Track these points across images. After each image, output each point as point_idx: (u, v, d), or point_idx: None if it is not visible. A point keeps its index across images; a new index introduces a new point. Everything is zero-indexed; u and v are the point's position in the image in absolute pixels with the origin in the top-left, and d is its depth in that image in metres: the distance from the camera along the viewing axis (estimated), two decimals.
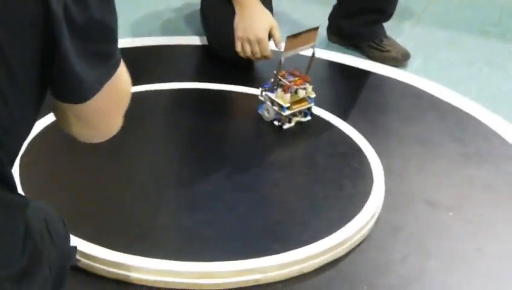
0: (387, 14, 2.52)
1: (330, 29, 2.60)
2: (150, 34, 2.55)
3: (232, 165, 1.88)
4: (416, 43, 2.62)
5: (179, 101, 2.16)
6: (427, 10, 2.90)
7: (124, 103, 1.17)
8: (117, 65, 1.08)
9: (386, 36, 2.52)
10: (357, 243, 1.67)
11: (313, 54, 2.06)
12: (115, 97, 1.12)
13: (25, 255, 1.07)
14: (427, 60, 2.52)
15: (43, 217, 1.17)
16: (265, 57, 2.25)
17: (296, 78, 2.02)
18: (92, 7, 1.00)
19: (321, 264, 1.60)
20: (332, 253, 1.62)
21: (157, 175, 1.83)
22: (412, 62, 2.49)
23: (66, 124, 1.16)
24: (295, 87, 2.01)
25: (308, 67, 2.06)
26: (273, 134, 2.02)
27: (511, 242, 1.73)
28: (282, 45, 2.06)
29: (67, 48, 0.99)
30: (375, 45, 2.49)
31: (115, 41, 1.07)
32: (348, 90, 2.35)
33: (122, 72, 1.11)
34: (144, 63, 2.37)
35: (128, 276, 1.52)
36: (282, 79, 2.01)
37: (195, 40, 2.50)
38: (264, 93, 2.03)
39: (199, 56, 2.45)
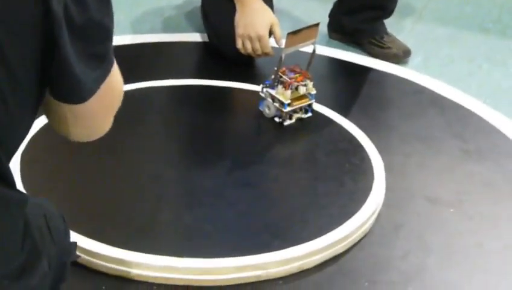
0: (388, 11, 2.52)
1: (331, 26, 2.60)
2: (151, 31, 2.55)
3: (233, 161, 1.88)
4: (417, 40, 2.61)
5: (180, 97, 2.16)
6: (428, 7, 2.90)
7: (117, 102, 1.18)
8: (111, 65, 1.09)
9: (386, 33, 2.52)
10: (358, 239, 1.67)
11: (314, 50, 2.06)
12: (110, 96, 1.13)
13: (24, 252, 1.07)
14: (428, 57, 2.52)
15: (43, 213, 1.17)
16: (266, 54, 2.25)
17: (297, 75, 2.02)
18: (91, 8, 1.00)
19: (322, 260, 1.61)
20: (333, 249, 1.62)
21: (157, 171, 1.83)
22: (413, 59, 2.49)
23: (59, 125, 1.16)
24: (296, 83, 2.01)
25: (309, 63, 2.06)
26: (273, 130, 2.02)
27: None
28: (283, 42, 2.06)
29: (66, 48, 0.99)
30: (376, 42, 2.49)
31: (111, 41, 1.07)
32: (349, 86, 2.35)
33: (115, 71, 1.12)
34: (145, 60, 2.37)
35: (129, 272, 1.53)
36: (283, 76, 2.01)
37: (196, 37, 2.50)
38: (264, 89, 2.03)
39: (200, 53, 2.45)
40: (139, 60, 2.35)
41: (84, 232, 1.55)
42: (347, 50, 2.52)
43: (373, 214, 1.72)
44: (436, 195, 1.84)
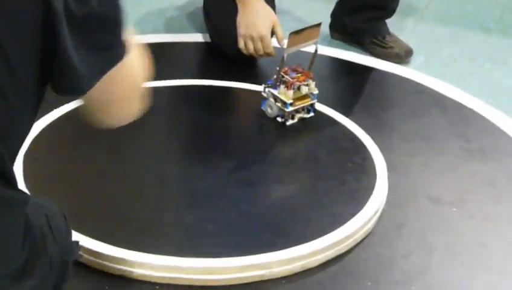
0: (389, 11, 2.52)
1: (333, 26, 2.60)
2: (153, 31, 2.55)
3: (236, 161, 1.88)
4: (419, 39, 2.62)
5: (182, 98, 2.16)
6: (430, 7, 2.90)
7: (134, 91, 1.17)
8: (120, 56, 1.08)
9: (388, 33, 2.52)
10: (361, 238, 1.67)
11: (316, 50, 2.06)
12: (122, 85, 1.12)
13: (24, 251, 1.07)
14: (430, 57, 2.53)
15: (44, 212, 1.17)
16: (268, 54, 2.25)
17: (299, 75, 2.02)
18: (92, 1, 1.00)
19: (325, 259, 1.61)
20: (335, 249, 1.62)
21: (160, 171, 1.83)
22: (415, 58, 2.49)
23: (85, 112, 1.16)
24: (298, 83, 2.01)
25: (311, 63, 2.06)
26: (276, 130, 2.02)
27: None
28: (285, 42, 2.06)
29: (66, 43, 0.99)
30: (378, 42, 2.49)
31: (118, 33, 1.06)
32: (351, 86, 2.35)
33: (131, 59, 1.10)
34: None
35: (132, 272, 1.53)
36: (285, 75, 2.01)
37: (198, 38, 2.50)
38: (267, 89, 2.04)
39: (202, 53, 2.45)
40: None
41: (87, 232, 1.55)
42: (349, 50, 2.52)
43: (375, 213, 1.72)
44: (438, 194, 1.84)
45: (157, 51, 2.41)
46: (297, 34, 1.99)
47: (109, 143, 1.91)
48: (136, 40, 1.14)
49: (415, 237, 1.71)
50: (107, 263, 1.54)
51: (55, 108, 1.99)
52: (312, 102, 2.04)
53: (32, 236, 1.10)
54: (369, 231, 1.70)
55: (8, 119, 1.02)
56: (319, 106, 2.08)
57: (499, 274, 1.64)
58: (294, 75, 2.02)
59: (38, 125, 1.91)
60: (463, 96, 2.25)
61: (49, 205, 1.23)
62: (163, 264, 1.52)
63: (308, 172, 1.88)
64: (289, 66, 2.02)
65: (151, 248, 1.55)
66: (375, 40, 2.50)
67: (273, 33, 2.25)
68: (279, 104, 2.01)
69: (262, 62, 2.33)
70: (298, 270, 1.58)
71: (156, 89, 2.15)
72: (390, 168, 1.87)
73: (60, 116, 1.97)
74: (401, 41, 2.51)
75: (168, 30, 2.59)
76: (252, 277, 1.55)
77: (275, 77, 2.02)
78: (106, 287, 1.52)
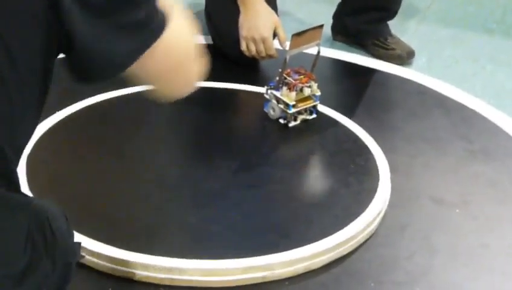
0: (391, 12, 2.52)
1: (335, 27, 2.60)
2: None
3: (238, 162, 1.88)
4: (421, 41, 2.62)
5: (185, 99, 2.15)
6: (431, 8, 2.90)
7: (183, 59, 1.13)
8: (157, 33, 1.03)
9: (390, 34, 2.53)
10: (364, 240, 1.67)
11: (318, 52, 2.06)
12: (168, 59, 1.08)
13: (27, 254, 1.07)
14: (432, 58, 2.53)
15: (46, 214, 1.17)
16: (270, 56, 2.25)
17: (302, 76, 2.02)
18: None
19: (328, 261, 1.61)
20: (339, 250, 1.62)
21: (163, 173, 1.83)
22: (417, 60, 2.49)
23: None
24: (300, 85, 2.01)
25: (314, 65, 2.06)
26: (278, 132, 2.02)
27: None
28: (287, 44, 2.06)
29: (83, 32, 0.97)
30: (380, 43, 2.50)
31: (150, 6, 1.01)
32: (353, 88, 2.35)
33: (173, 29, 1.06)
34: None
35: (135, 273, 1.53)
36: (288, 77, 2.01)
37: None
38: (269, 91, 2.04)
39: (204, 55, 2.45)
40: None
41: (90, 234, 1.55)
42: (351, 51, 2.52)
43: (378, 214, 1.72)
44: (441, 196, 1.84)
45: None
46: (299, 36, 2.00)
47: (112, 145, 1.91)
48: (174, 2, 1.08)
49: (418, 238, 1.71)
50: (111, 264, 1.54)
51: (58, 110, 1.99)
52: (314, 104, 2.05)
53: (34, 238, 1.10)
54: (372, 232, 1.70)
55: (11, 117, 1.01)
56: (322, 108, 2.08)
57: (502, 275, 1.64)
58: (296, 76, 2.02)
59: (41, 128, 1.91)
60: (465, 98, 2.25)
61: (50, 207, 1.22)
62: (167, 265, 1.52)
63: (311, 173, 1.88)
64: (291, 68, 2.02)
65: (154, 249, 1.55)
66: (377, 42, 2.50)
67: (275, 35, 2.25)
68: (281, 106, 2.01)
69: (264, 64, 2.33)
70: (301, 271, 1.58)
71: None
72: (393, 169, 1.87)
73: (63, 119, 1.98)
74: (403, 42, 2.51)
75: None
76: (254, 278, 1.55)
77: (277, 78, 2.02)
78: (109, 289, 1.52)
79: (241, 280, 1.54)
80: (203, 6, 2.48)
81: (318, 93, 2.04)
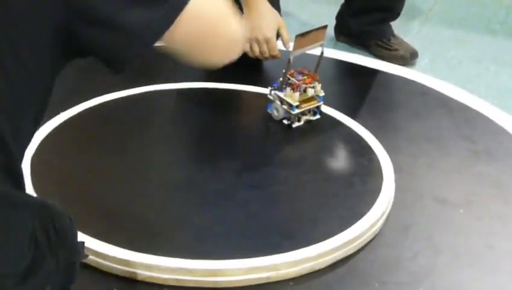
0: (394, 13, 2.52)
1: (338, 28, 2.60)
2: None
3: (242, 163, 1.88)
4: (424, 41, 2.62)
5: (188, 101, 2.17)
6: (434, 9, 2.90)
7: (216, 24, 1.13)
8: (179, 6, 1.04)
9: (393, 35, 2.53)
10: (368, 240, 1.67)
11: (322, 52, 2.06)
12: (200, 23, 1.09)
13: (30, 252, 1.08)
14: (435, 59, 2.53)
15: (50, 214, 1.18)
16: (273, 57, 2.25)
17: (305, 77, 2.02)
18: None
19: (332, 261, 1.61)
20: (343, 250, 1.62)
21: (167, 174, 1.84)
22: (420, 61, 2.49)
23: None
24: (304, 86, 2.01)
25: (317, 66, 2.07)
26: (282, 133, 2.02)
27: None
28: (291, 45, 2.07)
29: (96, 14, 0.98)
30: (383, 44, 2.50)
31: None
32: (357, 88, 2.35)
33: (197, 3, 1.06)
34: (153, 63, 2.37)
35: (139, 274, 1.53)
36: (291, 78, 2.01)
37: None
38: (273, 92, 2.04)
39: None
40: (148, 64, 2.35)
41: (95, 234, 1.56)
42: (354, 52, 2.53)
43: (383, 215, 1.72)
44: (445, 196, 1.84)
45: (163, 54, 2.44)
46: (303, 37, 2.00)
47: (116, 146, 1.92)
48: None
49: (422, 238, 1.71)
50: (115, 265, 1.54)
51: (62, 111, 2.00)
52: (318, 104, 2.05)
53: (38, 237, 1.10)
54: (377, 232, 1.70)
55: (15, 111, 1.02)
56: (325, 108, 2.08)
57: (506, 275, 1.64)
58: (300, 77, 2.02)
59: (46, 129, 1.92)
60: (468, 98, 2.25)
61: (54, 206, 1.23)
62: (171, 266, 1.52)
63: (315, 174, 1.88)
64: (295, 69, 2.03)
65: (159, 249, 1.55)
66: (380, 43, 2.51)
67: (278, 35, 2.26)
68: (285, 107, 2.01)
69: (267, 65, 2.34)
70: (306, 271, 1.58)
71: (162, 92, 2.17)
72: (396, 169, 1.87)
73: (67, 119, 1.98)
74: (406, 43, 2.51)
75: None
76: (259, 278, 1.55)
77: (281, 79, 2.02)
78: (114, 289, 1.52)
79: (245, 280, 1.55)
80: None
81: (322, 93, 2.04)
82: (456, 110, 2.20)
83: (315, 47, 2.06)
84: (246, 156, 1.93)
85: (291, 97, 2.00)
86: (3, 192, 1.04)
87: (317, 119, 2.06)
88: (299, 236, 1.64)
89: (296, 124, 2.03)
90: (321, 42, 2.06)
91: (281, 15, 2.30)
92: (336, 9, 2.59)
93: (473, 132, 2.10)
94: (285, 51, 2.20)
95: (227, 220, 1.69)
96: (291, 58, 1.99)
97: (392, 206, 1.77)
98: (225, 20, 1.13)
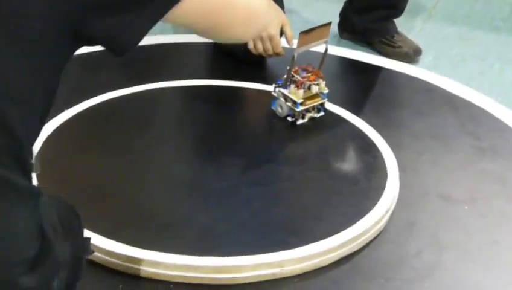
0: (398, 10, 2.52)
1: (341, 25, 2.60)
2: (162, 32, 2.56)
3: (247, 160, 1.88)
4: (428, 38, 2.62)
5: (193, 98, 2.17)
6: (438, 6, 2.90)
7: (229, 1, 1.13)
8: None
9: (397, 32, 2.53)
10: (373, 237, 1.68)
11: (326, 49, 2.06)
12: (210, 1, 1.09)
13: (38, 243, 1.08)
14: (439, 56, 2.53)
15: (56, 208, 1.18)
16: (277, 54, 2.25)
17: (309, 74, 2.03)
18: None
19: (337, 258, 1.61)
20: (348, 247, 1.62)
21: (171, 171, 1.84)
22: (424, 58, 2.49)
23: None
24: (308, 83, 2.01)
25: (321, 63, 2.07)
26: (286, 130, 2.02)
27: None
28: (294, 42, 2.07)
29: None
30: (387, 41, 2.50)
31: None
32: (361, 85, 2.35)
33: None
34: (156, 61, 2.38)
35: (146, 271, 1.53)
36: (295, 75, 2.01)
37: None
38: (277, 89, 2.04)
39: (211, 53, 2.46)
40: (151, 62, 2.36)
41: (101, 232, 1.56)
42: (358, 49, 2.53)
43: (387, 212, 1.72)
44: (449, 193, 1.84)
45: (167, 52, 2.44)
46: (307, 34, 2.00)
47: (120, 143, 1.92)
48: None
49: (426, 235, 1.71)
50: (121, 262, 1.54)
51: (66, 109, 2.00)
52: (322, 101, 2.05)
53: (46, 230, 1.10)
54: (381, 229, 1.70)
55: (23, 97, 1.02)
56: (329, 105, 2.08)
57: (511, 271, 1.64)
58: (304, 74, 2.02)
59: (50, 127, 1.92)
60: (473, 95, 2.25)
61: (62, 201, 1.24)
62: (177, 263, 1.53)
63: (319, 171, 1.88)
64: (299, 66, 2.03)
65: (165, 246, 1.56)
66: (384, 40, 2.51)
67: (282, 33, 2.25)
68: (289, 104, 2.02)
69: (271, 62, 2.34)
70: (310, 268, 1.58)
71: (166, 90, 2.17)
72: (400, 166, 1.87)
73: (71, 117, 1.98)
74: (410, 40, 2.52)
75: (177, 31, 2.60)
76: (264, 275, 1.55)
77: (285, 76, 2.02)
78: (120, 286, 1.52)
79: (250, 277, 1.55)
80: None
81: (326, 91, 2.04)
82: (461, 107, 2.20)
83: (319, 44, 2.06)
84: (250, 153, 1.93)
85: (296, 94, 2.00)
86: (10, 178, 1.04)
87: (321, 117, 2.06)
88: (303, 233, 1.65)
89: (300, 121, 2.03)
90: (325, 39, 2.06)
91: (284, 12, 2.30)
92: (339, 7, 2.59)
93: (477, 128, 2.10)
94: (289, 48, 2.20)
95: (232, 217, 1.69)
96: (295, 55, 1.99)
97: (397, 203, 1.77)
98: (231, 7, 1.14)
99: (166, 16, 1.08)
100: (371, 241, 1.67)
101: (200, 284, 1.53)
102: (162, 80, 2.19)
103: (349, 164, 1.90)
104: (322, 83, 2.03)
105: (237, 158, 1.88)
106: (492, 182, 1.89)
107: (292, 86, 2.01)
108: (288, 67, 2.01)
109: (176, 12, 1.07)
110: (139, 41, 1.09)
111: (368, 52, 2.51)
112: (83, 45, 1.08)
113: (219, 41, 1.19)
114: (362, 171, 1.87)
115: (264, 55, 2.26)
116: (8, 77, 1.00)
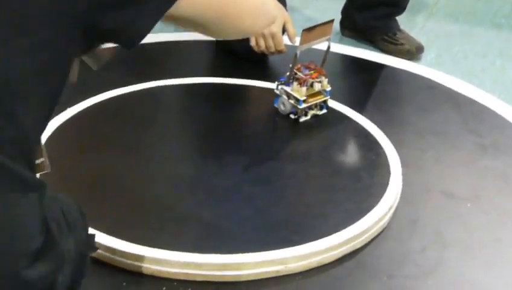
0: (400, 7, 2.52)
1: (343, 23, 2.60)
2: (164, 30, 2.56)
3: (250, 158, 1.88)
4: (430, 36, 2.62)
5: (195, 96, 2.17)
6: (440, 3, 2.90)
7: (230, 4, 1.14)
8: None
9: (399, 29, 2.53)
10: (376, 234, 1.68)
11: (329, 47, 2.07)
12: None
13: (42, 236, 1.08)
14: (441, 53, 2.53)
15: (60, 205, 1.18)
16: (279, 52, 2.25)
17: (312, 72, 2.03)
18: None
19: (340, 255, 1.61)
20: (351, 244, 1.62)
21: (175, 169, 1.84)
22: (426, 55, 2.50)
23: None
24: (311, 80, 2.02)
25: (324, 60, 2.07)
26: (289, 127, 2.03)
27: None
28: (297, 39, 2.07)
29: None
30: (389, 38, 2.50)
31: None
32: (363, 83, 2.35)
33: None
34: (158, 59, 2.38)
35: (149, 268, 1.54)
36: (298, 72, 2.01)
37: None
38: (279, 86, 2.04)
39: (214, 51, 2.46)
40: (153, 59, 2.36)
41: (104, 230, 1.56)
42: (360, 47, 2.53)
43: (390, 209, 1.73)
44: (452, 190, 1.84)
45: (169, 50, 2.44)
46: (309, 31, 2.00)
47: (123, 141, 1.92)
48: None
49: (429, 232, 1.71)
50: (125, 259, 1.54)
51: (69, 107, 2.00)
52: (325, 99, 2.05)
53: (50, 225, 1.11)
54: (384, 226, 1.70)
55: (29, 91, 1.03)
56: (332, 103, 2.08)
57: None
58: (307, 72, 2.02)
59: (53, 124, 1.92)
60: (475, 92, 2.25)
61: (65, 199, 1.24)
62: (181, 260, 1.53)
63: (322, 168, 1.88)
64: (302, 63, 2.03)
65: (168, 244, 1.56)
66: (386, 37, 2.51)
67: (284, 30, 2.26)
68: (292, 101, 2.02)
69: (273, 59, 2.34)
70: (314, 265, 1.58)
71: (168, 88, 2.17)
72: (403, 163, 1.87)
73: (74, 115, 1.99)
74: (412, 37, 2.52)
75: (179, 29, 2.60)
76: (268, 272, 1.55)
77: (287, 74, 2.03)
78: (124, 283, 1.52)
79: (254, 274, 1.55)
80: None
81: (328, 88, 2.04)
82: (463, 104, 2.20)
83: (322, 41, 2.06)
84: (253, 151, 1.93)
85: (298, 92, 2.00)
86: (16, 170, 1.04)
87: (324, 114, 2.06)
88: (307, 230, 1.65)
89: (303, 119, 2.03)
90: (328, 37, 2.06)
91: (286, 10, 2.30)
92: (341, 4, 2.59)
93: (479, 125, 2.10)
94: (291, 45, 2.21)
95: (236, 215, 1.69)
96: (298, 52, 1.99)
97: (400, 200, 1.78)
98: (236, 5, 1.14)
99: (172, 9, 1.08)
100: (374, 239, 1.67)
101: (203, 281, 1.53)
102: (165, 78, 2.19)
103: (352, 161, 1.90)
104: (325, 81, 2.04)
105: (240, 156, 1.89)
106: (495, 179, 1.89)
107: (295, 83, 2.01)
108: (290, 65, 2.01)
109: (183, 2, 1.06)
110: (148, 32, 1.09)
111: (370, 49, 2.52)
112: (90, 42, 1.09)
113: (224, 37, 1.17)
114: (365, 168, 1.87)
115: (267, 53, 2.27)
116: (17, 70, 1.01)
